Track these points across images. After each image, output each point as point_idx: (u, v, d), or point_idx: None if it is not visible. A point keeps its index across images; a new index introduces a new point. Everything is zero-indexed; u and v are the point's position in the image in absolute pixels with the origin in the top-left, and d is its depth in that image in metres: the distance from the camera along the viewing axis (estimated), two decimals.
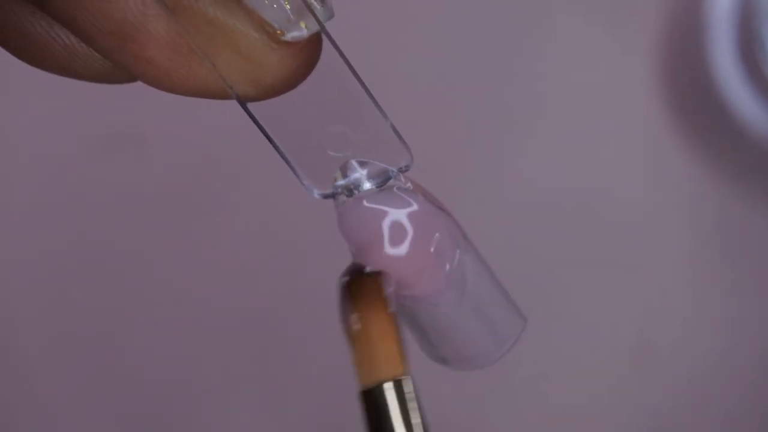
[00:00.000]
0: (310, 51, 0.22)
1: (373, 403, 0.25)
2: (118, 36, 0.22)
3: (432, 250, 0.25)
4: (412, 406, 0.25)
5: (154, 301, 0.59)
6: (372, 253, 0.25)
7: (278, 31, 0.22)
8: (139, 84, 0.25)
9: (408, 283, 0.25)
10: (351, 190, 0.25)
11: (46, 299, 0.59)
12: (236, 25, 0.22)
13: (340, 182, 0.25)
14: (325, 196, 0.25)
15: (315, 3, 0.22)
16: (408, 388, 0.25)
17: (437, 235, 0.25)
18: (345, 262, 0.26)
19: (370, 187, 0.25)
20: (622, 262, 0.60)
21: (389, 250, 0.25)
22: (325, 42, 0.23)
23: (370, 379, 0.25)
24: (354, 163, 0.25)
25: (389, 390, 0.25)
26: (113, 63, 0.23)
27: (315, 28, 0.22)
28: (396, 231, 0.25)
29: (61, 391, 0.59)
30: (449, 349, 0.27)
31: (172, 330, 0.59)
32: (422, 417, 0.25)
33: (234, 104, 0.23)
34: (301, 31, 0.22)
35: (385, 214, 0.25)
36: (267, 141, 0.24)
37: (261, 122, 0.24)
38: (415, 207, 0.25)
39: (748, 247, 0.60)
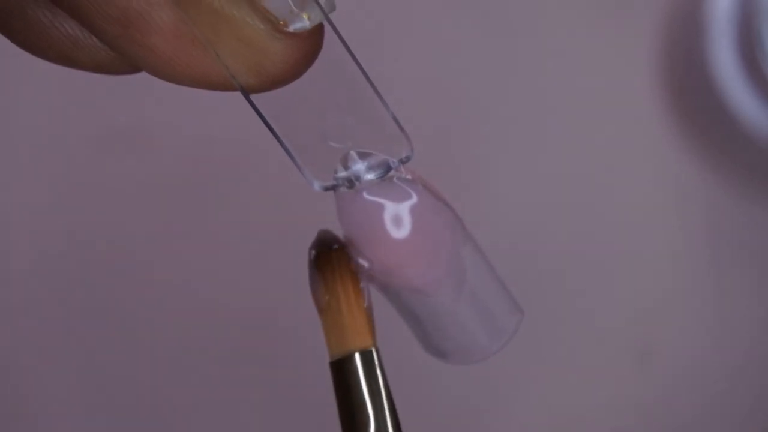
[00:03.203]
0: (312, 42, 0.23)
1: (341, 373, 0.26)
2: (121, 23, 0.22)
3: (431, 241, 0.25)
4: (378, 375, 0.26)
5: (155, 299, 0.59)
6: (371, 245, 0.25)
7: (281, 22, 0.22)
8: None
9: (406, 274, 0.25)
10: (351, 181, 0.25)
11: (47, 296, 0.59)
12: (240, 15, 0.22)
13: (341, 174, 0.25)
14: (326, 188, 0.25)
15: None
16: (375, 358, 0.26)
17: (436, 226, 0.25)
18: None
19: (370, 179, 0.25)
20: (622, 263, 0.60)
21: (388, 241, 0.25)
22: (327, 33, 0.23)
23: (339, 349, 0.26)
24: (354, 154, 0.25)
25: (357, 360, 0.26)
26: (116, 52, 0.23)
27: (318, 19, 0.22)
28: (395, 223, 0.25)
29: (60, 391, 0.59)
30: (446, 341, 0.27)
31: (173, 328, 0.59)
32: (387, 386, 0.26)
33: (239, 101, 0.23)
34: (304, 22, 0.22)
35: (384, 205, 0.25)
36: (271, 135, 0.24)
37: (263, 113, 0.24)
38: (414, 199, 0.25)
39: (748, 246, 0.60)
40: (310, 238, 0.58)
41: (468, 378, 0.59)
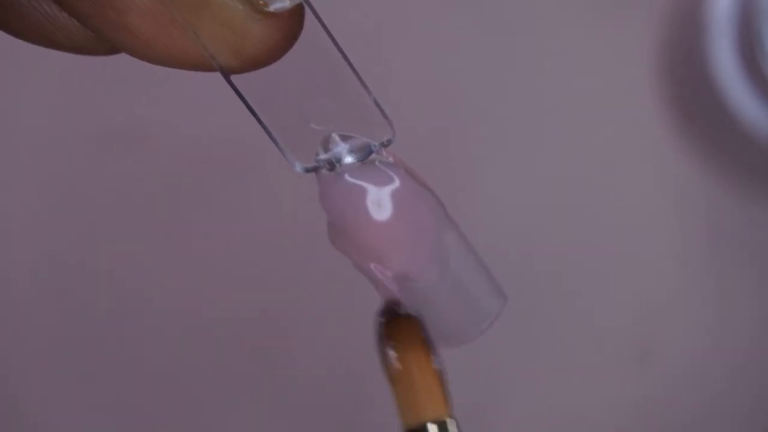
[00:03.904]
0: (292, 23, 0.22)
1: None
2: (99, 3, 0.22)
3: (413, 225, 0.25)
4: None
5: (154, 297, 0.59)
6: (353, 228, 0.25)
7: (261, 2, 0.22)
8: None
9: (389, 258, 0.25)
10: (333, 164, 0.25)
11: (47, 296, 0.59)
12: None
13: (322, 156, 0.25)
14: (308, 170, 0.25)
15: None
16: (452, 429, 0.25)
17: (419, 211, 0.25)
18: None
19: (351, 161, 0.25)
20: (622, 263, 0.60)
21: (370, 225, 0.25)
22: (309, 14, 0.23)
23: (414, 420, 0.25)
24: (336, 136, 0.25)
25: (433, 431, 0.25)
26: (94, 32, 0.23)
27: None
28: (377, 206, 0.25)
29: (59, 391, 0.59)
30: (429, 325, 0.27)
31: (172, 327, 0.59)
32: None
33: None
34: (284, 2, 0.22)
35: (366, 188, 0.25)
36: (261, 127, 0.24)
37: (244, 95, 0.24)
38: (397, 182, 0.25)
39: (748, 246, 0.60)
40: (308, 236, 0.58)
41: (468, 377, 0.59)
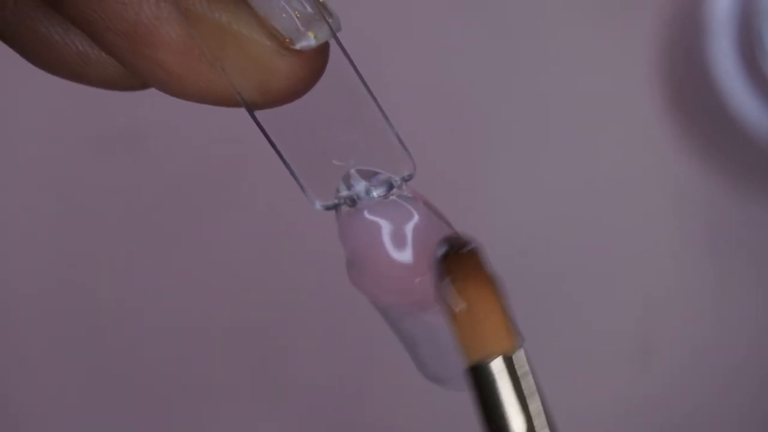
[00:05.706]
0: (317, 60, 0.23)
1: (484, 381, 0.24)
2: (130, 38, 0.22)
3: (431, 262, 0.25)
4: (526, 380, 0.24)
5: (153, 299, 0.59)
6: (371, 264, 0.25)
7: (287, 40, 0.22)
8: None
9: (407, 294, 0.25)
10: (353, 200, 0.25)
11: (47, 297, 0.59)
12: (247, 31, 0.22)
13: (343, 192, 0.25)
14: (327, 208, 0.25)
15: (324, 15, 0.23)
16: (521, 361, 0.24)
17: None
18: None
19: (372, 197, 0.25)
20: (622, 262, 0.60)
21: (389, 261, 0.25)
22: (333, 52, 0.23)
23: (479, 355, 0.24)
24: (357, 172, 0.25)
25: (501, 365, 0.24)
26: (124, 66, 0.23)
27: (324, 38, 0.23)
28: (396, 242, 0.25)
29: (58, 393, 0.59)
30: (443, 366, 0.27)
31: (174, 330, 0.59)
32: (539, 390, 0.24)
33: (239, 107, 0.24)
34: (310, 40, 0.22)
35: (386, 224, 0.25)
36: (282, 161, 0.25)
37: (267, 130, 0.24)
38: (416, 218, 0.25)
39: (747, 245, 0.61)
40: (309, 238, 0.58)
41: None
